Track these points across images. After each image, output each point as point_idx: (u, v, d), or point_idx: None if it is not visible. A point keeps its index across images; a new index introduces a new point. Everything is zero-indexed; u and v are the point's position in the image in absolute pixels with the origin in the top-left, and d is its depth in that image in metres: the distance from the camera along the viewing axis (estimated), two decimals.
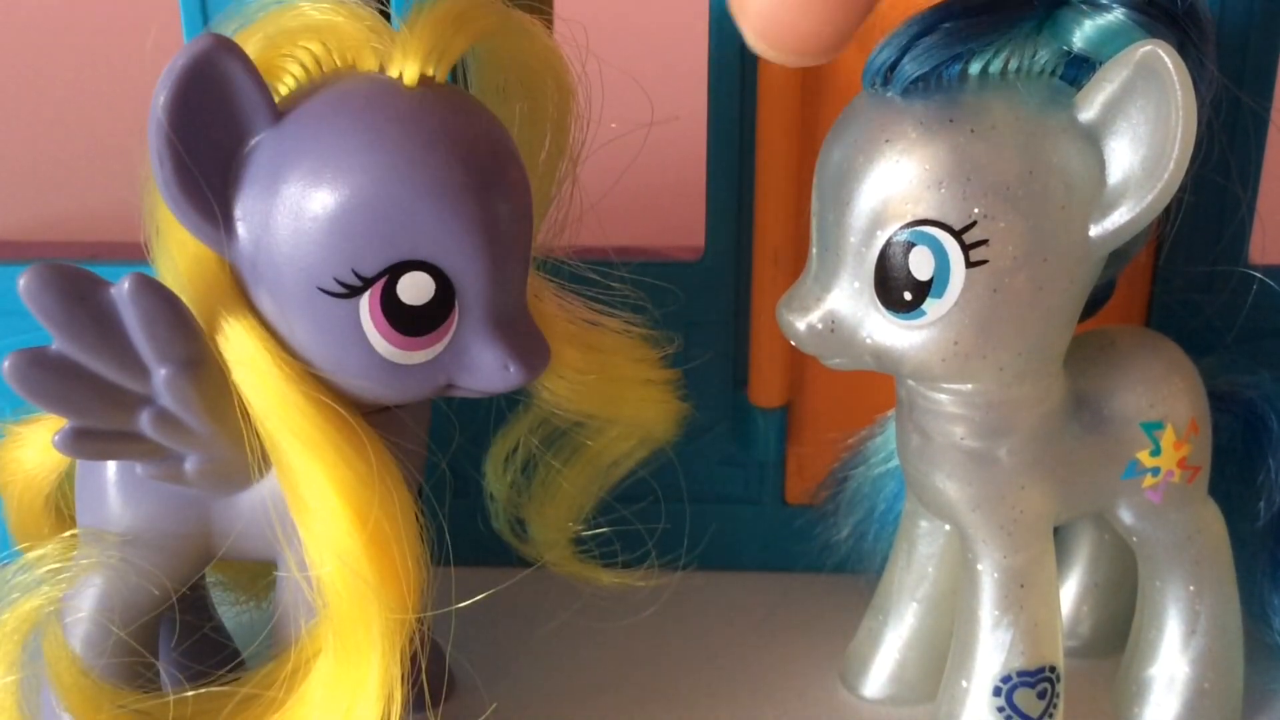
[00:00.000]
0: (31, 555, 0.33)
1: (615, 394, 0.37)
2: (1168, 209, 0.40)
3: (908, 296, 0.32)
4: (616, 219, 0.38)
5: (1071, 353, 0.35)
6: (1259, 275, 0.42)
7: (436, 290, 0.30)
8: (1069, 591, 0.42)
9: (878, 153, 0.31)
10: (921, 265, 0.31)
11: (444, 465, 0.37)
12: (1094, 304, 0.37)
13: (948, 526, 0.38)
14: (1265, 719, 0.40)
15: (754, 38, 0.24)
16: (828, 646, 0.43)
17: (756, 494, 0.46)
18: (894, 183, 0.31)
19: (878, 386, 0.43)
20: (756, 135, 0.41)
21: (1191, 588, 0.38)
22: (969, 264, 0.31)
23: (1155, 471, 0.36)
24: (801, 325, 0.33)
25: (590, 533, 0.39)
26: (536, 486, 0.39)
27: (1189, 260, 0.42)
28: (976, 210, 0.31)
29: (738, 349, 0.44)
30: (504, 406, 0.38)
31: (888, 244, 0.31)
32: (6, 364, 0.28)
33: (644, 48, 0.46)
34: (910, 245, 0.31)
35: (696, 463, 0.44)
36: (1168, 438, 0.36)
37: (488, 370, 0.32)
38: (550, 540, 0.39)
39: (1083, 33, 0.31)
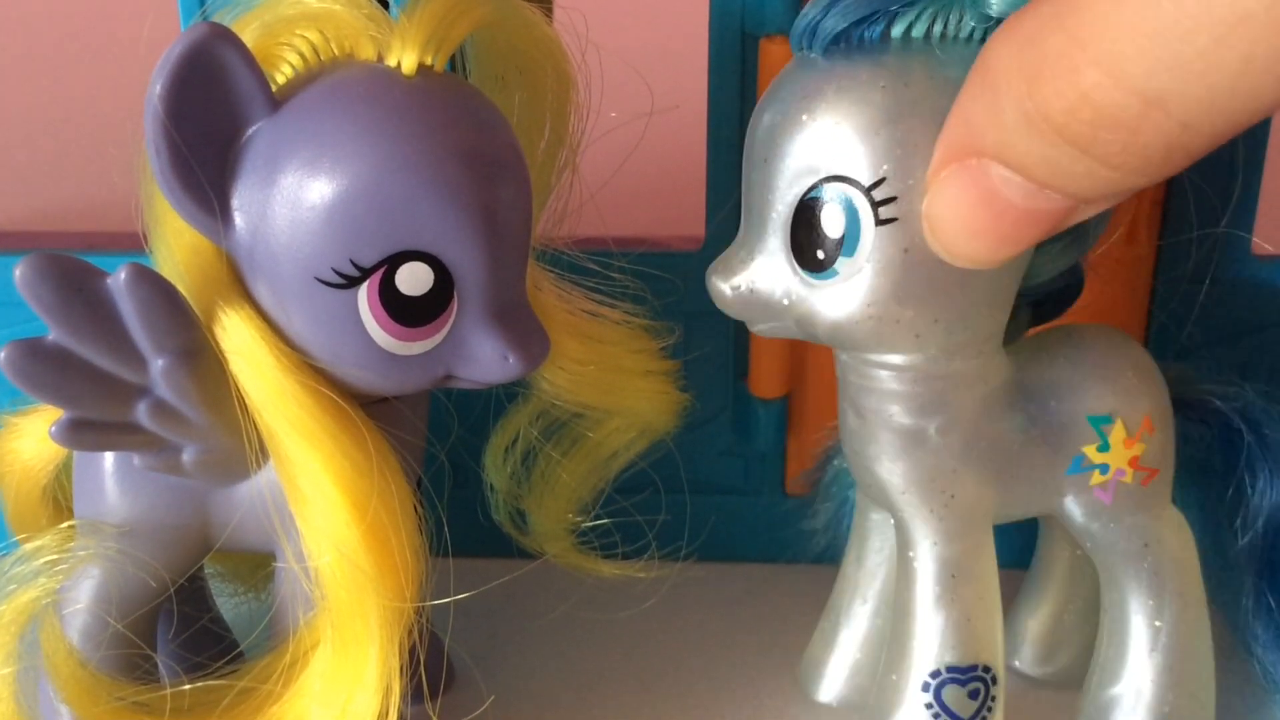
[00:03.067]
0: (29, 546, 0.33)
1: (615, 385, 0.37)
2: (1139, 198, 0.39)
3: (820, 255, 0.31)
4: (616, 209, 0.38)
5: (1029, 345, 0.35)
6: (1261, 267, 0.42)
7: (435, 280, 0.30)
8: (1043, 617, 0.41)
9: (795, 112, 0.31)
10: (833, 222, 0.31)
11: (443, 456, 0.37)
12: (1061, 299, 0.36)
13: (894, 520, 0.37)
14: None
15: (942, 253, 0.30)
16: None
17: (757, 485, 0.46)
18: (808, 141, 0.31)
19: None
20: None
21: (1150, 602, 0.36)
22: (878, 221, 0.31)
23: (1104, 469, 0.35)
24: (726, 288, 0.33)
25: (590, 524, 0.39)
26: (536, 478, 0.38)
27: (1191, 253, 0.41)
28: (885, 167, 0.30)
29: (738, 340, 0.44)
30: (503, 397, 0.38)
31: (800, 202, 0.31)
32: (2, 355, 0.28)
33: (644, 36, 0.46)
34: (822, 202, 0.31)
35: (697, 454, 0.44)
36: (1117, 433, 0.35)
37: (487, 361, 0.31)
38: (550, 531, 0.39)
39: None
